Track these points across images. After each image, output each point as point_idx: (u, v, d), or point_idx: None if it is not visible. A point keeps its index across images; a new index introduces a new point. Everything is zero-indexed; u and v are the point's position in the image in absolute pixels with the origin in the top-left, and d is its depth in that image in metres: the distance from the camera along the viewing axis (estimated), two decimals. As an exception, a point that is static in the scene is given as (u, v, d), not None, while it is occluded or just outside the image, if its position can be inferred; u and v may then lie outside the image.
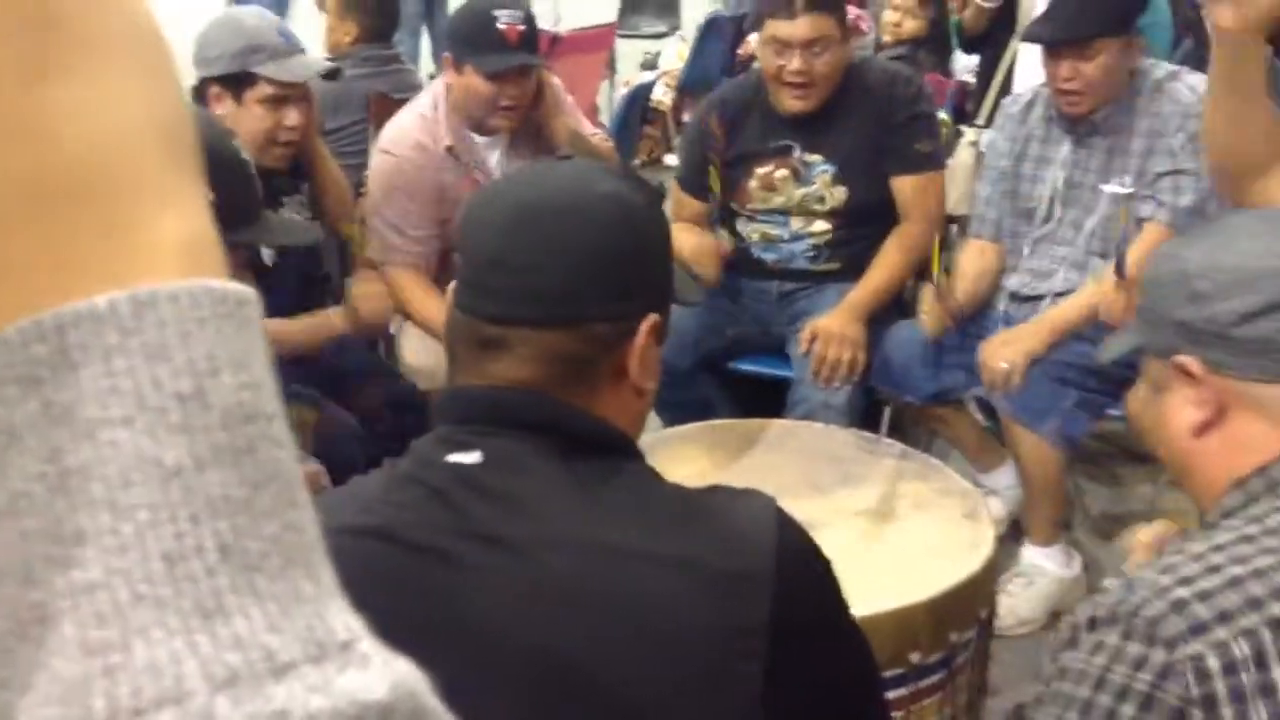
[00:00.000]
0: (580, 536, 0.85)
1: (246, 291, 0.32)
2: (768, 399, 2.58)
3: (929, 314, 2.45)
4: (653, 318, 0.94)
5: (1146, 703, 0.79)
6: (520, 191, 0.97)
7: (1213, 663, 0.78)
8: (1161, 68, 2.44)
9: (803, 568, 0.88)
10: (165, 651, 0.28)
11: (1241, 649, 0.78)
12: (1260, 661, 0.78)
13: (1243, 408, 0.93)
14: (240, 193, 1.66)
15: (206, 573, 0.29)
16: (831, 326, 2.44)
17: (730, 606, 0.83)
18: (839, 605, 0.92)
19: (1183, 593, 0.81)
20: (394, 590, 0.85)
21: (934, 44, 4.21)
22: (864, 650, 0.95)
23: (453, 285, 0.97)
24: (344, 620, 0.30)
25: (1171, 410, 0.98)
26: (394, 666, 0.30)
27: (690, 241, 2.52)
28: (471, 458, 0.89)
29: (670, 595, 0.83)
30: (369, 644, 0.30)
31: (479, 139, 2.49)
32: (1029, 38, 2.61)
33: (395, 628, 0.86)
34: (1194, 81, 2.38)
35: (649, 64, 6.57)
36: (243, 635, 0.28)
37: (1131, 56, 2.36)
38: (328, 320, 2.26)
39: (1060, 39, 2.34)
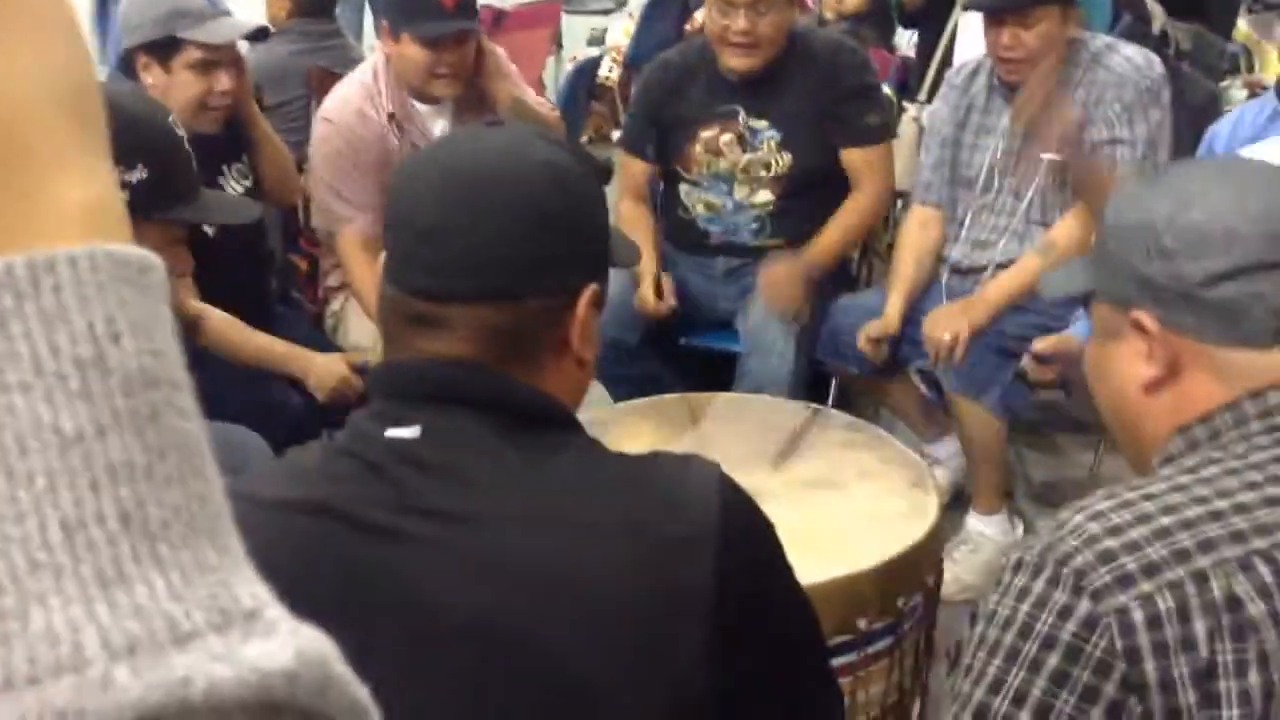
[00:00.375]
0: (521, 509, 0.85)
1: (150, 257, 0.32)
2: (716, 374, 2.59)
3: (872, 354, 2.48)
4: (592, 287, 0.92)
5: (1072, 653, 0.80)
6: (449, 161, 0.93)
7: (1137, 616, 0.78)
8: (1099, 39, 2.48)
9: (746, 531, 0.88)
10: (63, 619, 0.27)
11: (1166, 602, 0.78)
12: (1184, 616, 0.78)
13: (1197, 368, 0.91)
14: (176, 170, 1.63)
15: (107, 540, 0.28)
16: (777, 267, 2.51)
17: (674, 570, 0.83)
18: (783, 568, 0.93)
19: (1111, 544, 0.81)
20: (332, 564, 0.84)
21: (876, 19, 4.22)
22: (808, 612, 0.96)
23: (383, 258, 0.94)
24: (249, 589, 0.30)
25: (1121, 361, 0.95)
26: (300, 635, 0.30)
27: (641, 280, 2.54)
28: (409, 432, 0.87)
29: (613, 563, 0.83)
30: (275, 612, 0.30)
31: (422, 108, 2.47)
32: (971, 5, 2.64)
33: (334, 601, 0.85)
34: (1130, 53, 2.42)
35: (596, 40, 6.54)
36: (144, 604, 0.28)
37: (1070, 26, 2.39)
38: (298, 361, 2.16)
39: (1002, 6, 2.37)
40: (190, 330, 2.07)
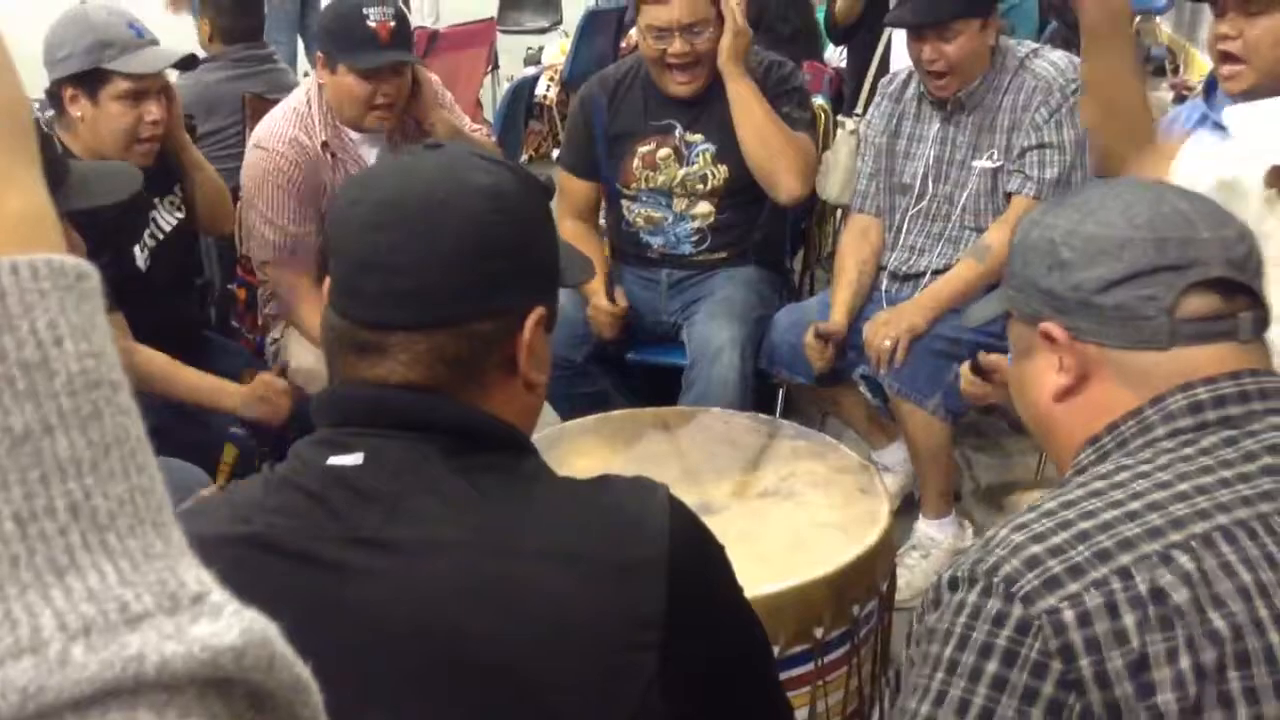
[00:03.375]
0: (466, 537, 0.83)
1: (85, 266, 0.34)
2: (662, 387, 2.60)
3: (815, 355, 2.49)
4: (539, 310, 0.91)
5: (1009, 658, 0.82)
6: (387, 188, 0.90)
7: (1068, 615, 0.81)
8: (1024, 46, 2.53)
9: (696, 554, 0.88)
10: (20, 605, 0.29)
11: (1094, 599, 0.81)
12: (1112, 611, 0.80)
13: (1104, 374, 0.95)
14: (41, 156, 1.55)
15: (58, 531, 0.30)
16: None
17: (626, 599, 0.83)
18: (732, 590, 0.92)
19: (1036, 549, 0.84)
20: (275, 599, 0.82)
21: (797, 36, 4.20)
22: (757, 632, 0.96)
23: (326, 284, 0.93)
24: (194, 574, 0.32)
25: (1035, 374, 1.00)
26: (244, 615, 0.32)
27: (591, 298, 2.56)
28: (351, 459, 0.86)
29: (564, 591, 0.82)
30: (220, 596, 0.32)
31: (356, 136, 2.46)
32: (891, 22, 2.69)
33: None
34: (1055, 58, 2.47)
35: (532, 59, 6.55)
36: (96, 589, 0.30)
37: (990, 35, 2.44)
38: (223, 393, 2.17)
39: (921, 23, 2.41)
40: None
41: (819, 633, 1.56)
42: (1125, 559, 0.82)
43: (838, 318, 2.51)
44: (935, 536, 2.54)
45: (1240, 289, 0.94)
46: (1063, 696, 0.80)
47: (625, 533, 0.85)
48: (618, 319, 2.57)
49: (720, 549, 0.91)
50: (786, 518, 1.74)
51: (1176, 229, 0.93)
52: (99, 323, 0.34)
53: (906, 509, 2.64)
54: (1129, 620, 0.80)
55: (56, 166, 1.57)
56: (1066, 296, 0.95)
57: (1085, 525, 0.85)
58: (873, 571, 1.65)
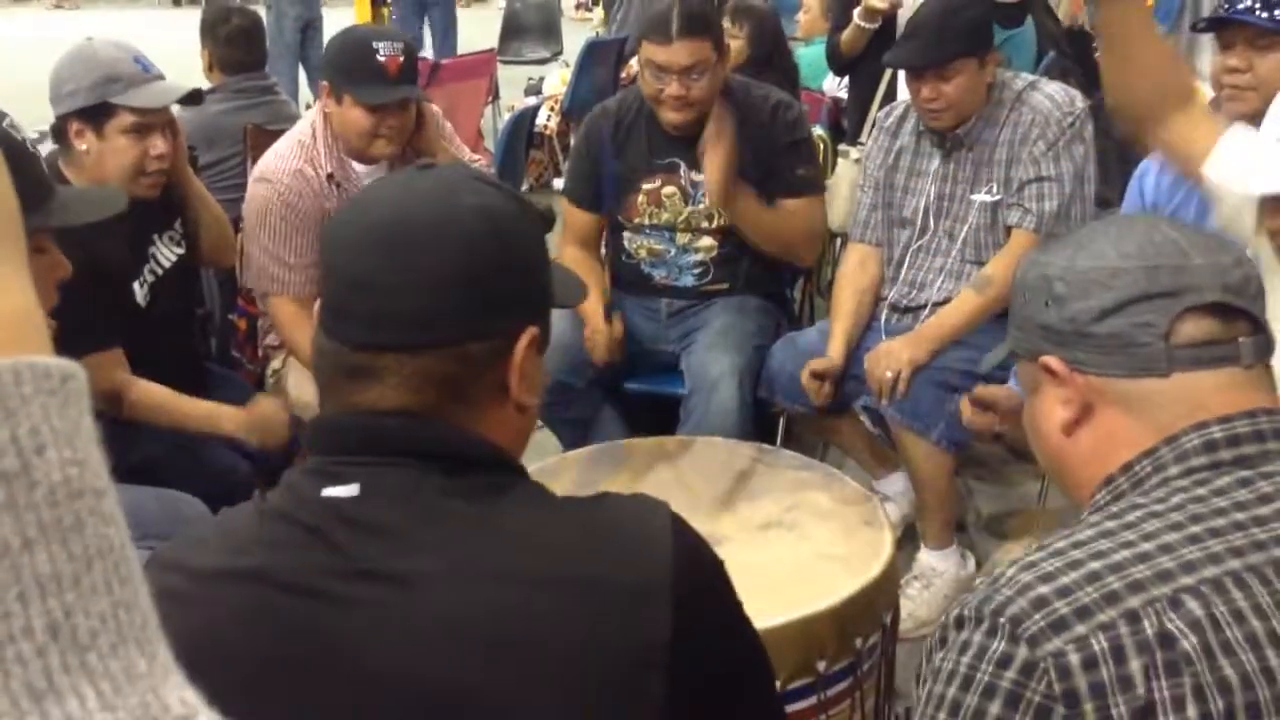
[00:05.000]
0: (468, 567, 0.83)
1: (70, 366, 0.32)
2: (662, 416, 2.59)
3: (813, 392, 2.49)
4: (531, 330, 0.90)
5: (1012, 700, 0.81)
6: (380, 208, 0.90)
7: (1073, 659, 0.79)
8: (1021, 79, 2.54)
9: (700, 574, 0.87)
10: None
11: (1100, 643, 0.80)
12: (1118, 656, 0.79)
13: (1107, 404, 0.95)
14: (22, 176, 1.54)
15: (36, 653, 0.29)
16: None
17: (632, 623, 0.82)
18: (734, 607, 0.92)
19: (1044, 590, 0.82)
20: (277, 635, 0.82)
21: (775, 69, 4.18)
22: (759, 648, 0.95)
23: (317, 306, 0.92)
24: (179, 695, 0.31)
25: (1043, 411, 1.00)
26: None
27: (589, 321, 2.58)
28: (347, 491, 0.85)
29: (569, 618, 0.81)
30: (207, 717, 0.31)
31: (360, 167, 2.47)
32: (890, 63, 2.70)
33: (280, 674, 0.82)
34: (1052, 90, 2.48)
35: (533, 89, 6.60)
36: (75, 715, 0.28)
37: (989, 72, 2.45)
38: (219, 417, 2.16)
39: (920, 65, 2.42)
40: (113, 405, 2.02)
41: (822, 666, 1.55)
42: (1134, 602, 0.81)
43: (834, 352, 2.51)
44: (937, 567, 2.52)
45: (1239, 314, 0.93)
46: None
47: (628, 554, 0.84)
48: (615, 341, 2.57)
49: (721, 566, 0.90)
50: (789, 549, 1.73)
51: (1167, 257, 0.94)
52: (84, 426, 0.32)
53: (908, 539, 2.63)
54: (1135, 666, 0.79)
55: (40, 188, 1.57)
56: (1063, 329, 0.96)
57: (1095, 566, 0.84)
58: (876, 604, 1.64)
